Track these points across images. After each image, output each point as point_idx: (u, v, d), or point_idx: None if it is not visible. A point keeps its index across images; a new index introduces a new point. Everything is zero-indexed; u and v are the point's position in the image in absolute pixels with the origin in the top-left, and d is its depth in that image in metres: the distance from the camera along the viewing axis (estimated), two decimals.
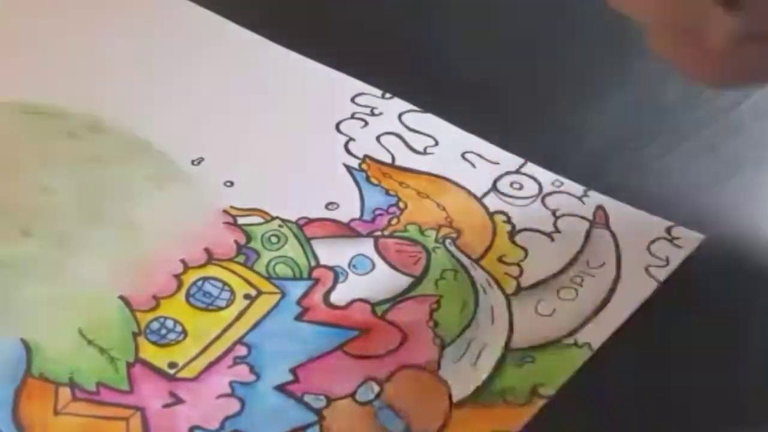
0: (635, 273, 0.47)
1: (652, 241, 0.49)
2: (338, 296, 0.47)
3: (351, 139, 0.55)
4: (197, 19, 0.64)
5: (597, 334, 0.45)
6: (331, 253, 0.49)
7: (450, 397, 0.43)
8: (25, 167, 0.54)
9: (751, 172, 0.52)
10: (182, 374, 0.44)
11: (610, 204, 0.51)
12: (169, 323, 0.46)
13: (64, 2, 0.65)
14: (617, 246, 0.49)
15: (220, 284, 0.48)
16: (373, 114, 0.56)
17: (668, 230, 0.49)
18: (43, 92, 0.58)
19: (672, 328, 0.45)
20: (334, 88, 0.58)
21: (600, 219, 0.50)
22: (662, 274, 0.47)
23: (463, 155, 0.54)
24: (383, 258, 0.49)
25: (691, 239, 0.49)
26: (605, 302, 0.46)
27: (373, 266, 0.49)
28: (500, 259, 0.48)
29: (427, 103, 0.56)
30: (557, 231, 0.50)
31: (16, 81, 0.59)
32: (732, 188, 0.50)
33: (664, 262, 0.48)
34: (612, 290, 0.47)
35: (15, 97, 0.58)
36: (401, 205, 0.51)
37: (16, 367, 0.44)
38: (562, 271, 0.48)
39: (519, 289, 0.47)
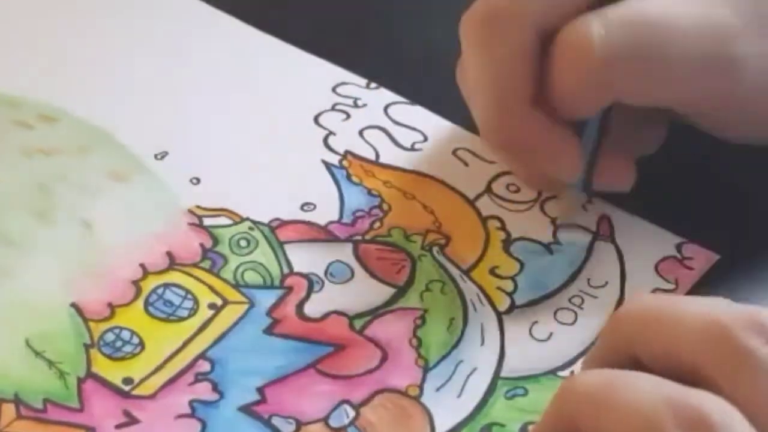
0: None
1: (661, 260, 0.48)
2: (312, 307, 0.47)
3: (331, 133, 0.54)
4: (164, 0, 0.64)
5: None
6: (306, 259, 0.49)
7: (432, 428, 0.43)
8: None
9: None
10: (138, 391, 0.44)
11: (616, 214, 0.50)
12: (125, 334, 0.46)
13: None
14: (622, 263, 0.48)
15: (182, 292, 0.47)
16: (356, 105, 0.56)
17: (678, 247, 0.49)
18: None
19: None
20: (314, 76, 0.57)
21: (604, 231, 0.50)
22: None
23: (454, 152, 0.53)
24: (363, 266, 0.49)
25: (704, 259, 0.48)
26: None
27: (352, 275, 0.48)
28: (492, 272, 0.48)
29: (415, 95, 0.56)
30: (557, 242, 0.49)
31: None
32: (753, 200, 0.50)
33: (672, 284, 0.47)
34: None
35: None
36: (385, 206, 0.51)
37: None
38: (560, 289, 0.47)
39: (512, 307, 0.47)
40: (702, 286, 0.48)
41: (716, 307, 0.35)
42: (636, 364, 0.38)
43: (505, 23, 0.48)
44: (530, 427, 0.43)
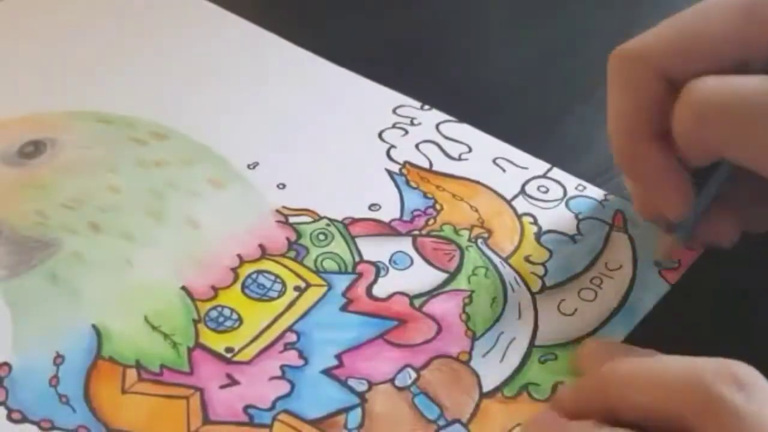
0: (649, 275, 0.47)
1: None
2: (379, 289, 0.47)
3: (392, 146, 0.55)
4: (250, 35, 0.64)
5: (614, 334, 0.45)
6: (374, 249, 0.49)
7: (480, 387, 0.43)
8: (96, 169, 0.54)
9: None
10: (238, 358, 0.44)
11: (628, 208, 0.50)
12: (226, 312, 0.46)
13: (132, 27, 0.65)
14: (634, 249, 0.48)
15: (272, 277, 0.48)
16: (412, 124, 0.56)
17: None
18: (114, 103, 0.58)
19: (681, 328, 0.45)
20: (378, 100, 0.58)
21: (618, 222, 0.50)
22: (674, 277, 0.47)
23: (494, 161, 0.54)
24: (421, 255, 0.49)
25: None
26: (622, 304, 0.46)
27: (412, 262, 0.48)
28: (527, 259, 0.48)
29: (462, 114, 0.56)
30: (579, 233, 0.49)
31: (92, 93, 0.59)
32: None
33: (677, 264, 0.47)
34: (628, 292, 0.46)
35: (91, 108, 0.58)
36: (437, 206, 0.51)
37: (88, 350, 0.45)
38: (583, 272, 0.47)
39: (544, 287, 0.47)
40: (699, 264, 0.47)
41: (693, 363, 0.35)
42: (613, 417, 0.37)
43: (630, 63, 0.44)
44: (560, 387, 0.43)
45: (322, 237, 0.50)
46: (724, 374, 0.34)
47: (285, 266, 0.48)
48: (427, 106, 0.57)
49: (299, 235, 0.50)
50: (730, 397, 0.33)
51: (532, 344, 0.45)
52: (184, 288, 0.47)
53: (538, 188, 0.52)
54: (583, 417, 0.38)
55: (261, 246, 0.49)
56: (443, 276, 0.48)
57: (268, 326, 0.46)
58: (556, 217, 0.50)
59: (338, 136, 0.56)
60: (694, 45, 0.42)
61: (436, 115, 0.57)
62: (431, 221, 0.50)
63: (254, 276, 0.48)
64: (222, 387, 0.43)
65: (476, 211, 0.51)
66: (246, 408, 0.42)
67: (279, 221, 0.51)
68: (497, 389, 0.43)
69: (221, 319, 0.46)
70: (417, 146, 0.55)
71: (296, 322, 0.46)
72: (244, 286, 0.47)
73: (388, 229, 0.50)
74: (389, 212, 0.51)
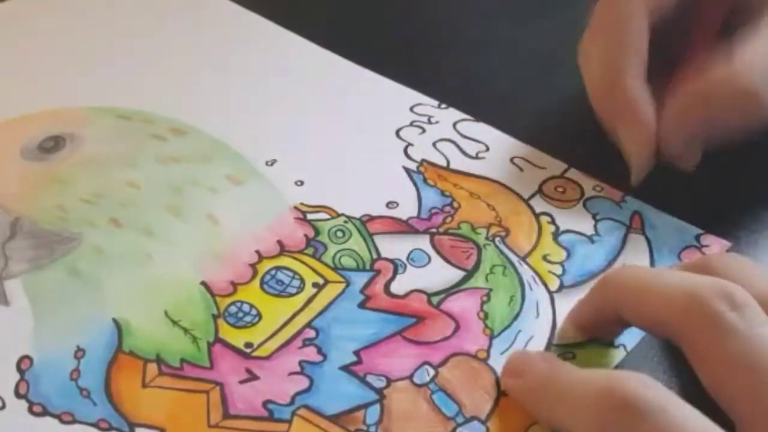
0: None
1: (683, 248, 0.48)
2: (397, 286, 0.47)
3: (410, 144, 0.55)
4: (268, 33, 0.64)
5: (630, 335, 0.44)
6: (391, 247, 0.49)
7: (498, 384, 0.42)
8: (115, 164, 0.54)
9: None
10: (257, 353, 0.44)
11: (646, 210, 0.50)
12: (246, 307, 0.46)
13: (151, 23, 0.66)
14: (651, 251, 0.48)
15: (291, 273, 0.48)
16: (430, 122, 0.56)
17: (698, 238, 0.48)
18: (133, 99, 0.58)
19: None
20: (396, 99, 0.58)
21: (636, 224, 0.49)
22: None
23: (511, 160, 0.53)
24: (438, 252, 0.48)
25: (718, 246, 0.48)
26: None
27: (429, 260, 0.48)
28: (545, 258, 0.48)
29: (479, 113, 0.56)
30: (597, 234, 0.49)
31: (111, 89, 0.60)
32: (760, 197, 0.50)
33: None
34: None
35: (110, 104, 0.58)
36: (455, 204, 0.51)
37: (108, 344, 0.45)
38: (600, 273, 0.47)
39: (561, 287, 0.47)
40: None
41: (693, 279, 0.38)
42: (618, 321, 0.41)
43: (622, 7, 0.49)
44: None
45: (339, 234, 0.50)
46: (720, 293, 0.36)
47: (303, 263, 0.48)
48: (444, 105, 0.57)
49: (317, 232, 0.50)
50: (724, 315, 0.36)
51: (550, 343, 0.44)
52: (203, 283, 0.47)
53: (556, 188, 0.52)
54: (596, 323, 0.43)
55: (279, 242, 0.49)
56: (461, 274, 0.47)
57: (287, 322, 0.45)
58: (574, 217, 0.50)
59: (356, 134, 0.56)
60: None
61: (454, 114, 0.57)
62: (449, 219, 0.50)
63: (273, 272, 0.48)
64: (241, 382, 0.43)
65: (494, 209, 0.51)
66: (265, 403, 0.42)
67: (297, 218, 0.50)
68: None
69: (240, 314, 0.46)
70: (434, 144, 0.55)
71: (315, 318, 0.46)
72: (262, 282, 0.47)
73: (405, 227, 0.50)
74: (407, 210, 0.51)
